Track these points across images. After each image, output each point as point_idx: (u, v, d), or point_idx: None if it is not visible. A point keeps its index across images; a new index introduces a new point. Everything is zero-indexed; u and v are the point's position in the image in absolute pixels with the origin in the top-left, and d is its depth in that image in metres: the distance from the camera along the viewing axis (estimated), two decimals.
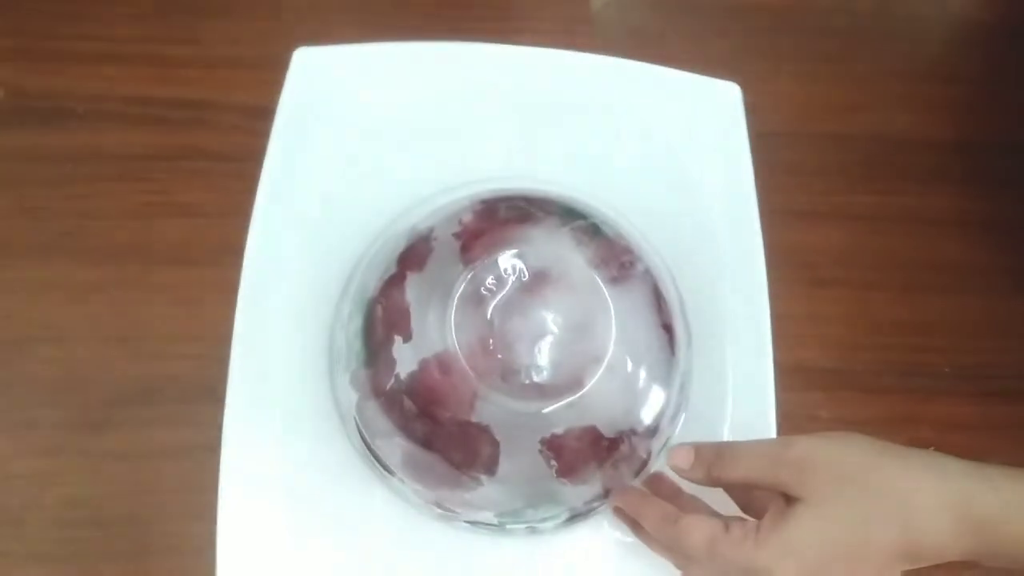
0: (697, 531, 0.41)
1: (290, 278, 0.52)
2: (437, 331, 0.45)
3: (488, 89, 0.59)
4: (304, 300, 0.52)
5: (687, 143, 0.57)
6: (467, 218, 0.49)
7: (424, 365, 0.45)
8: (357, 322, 0.48)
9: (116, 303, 0.55)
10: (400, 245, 0.49)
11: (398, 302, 0.47)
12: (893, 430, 0.57)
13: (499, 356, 0.45)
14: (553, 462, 0.45)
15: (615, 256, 0.48)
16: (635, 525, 0.46)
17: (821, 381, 0.57)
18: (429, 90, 0.57)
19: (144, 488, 0.52)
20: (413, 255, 0.48)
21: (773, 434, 0.51)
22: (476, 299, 0.45)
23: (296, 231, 0.53)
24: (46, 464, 0.51)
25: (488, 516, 0.48)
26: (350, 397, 0.48)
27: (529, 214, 0.49)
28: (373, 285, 0.49)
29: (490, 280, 0.46)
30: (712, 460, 0.41)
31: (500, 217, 0.49)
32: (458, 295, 0.45)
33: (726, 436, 0.48)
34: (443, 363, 0.45)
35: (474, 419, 0.45)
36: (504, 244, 0.46)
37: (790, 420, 0.51)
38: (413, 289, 0.47)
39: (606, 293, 0.46)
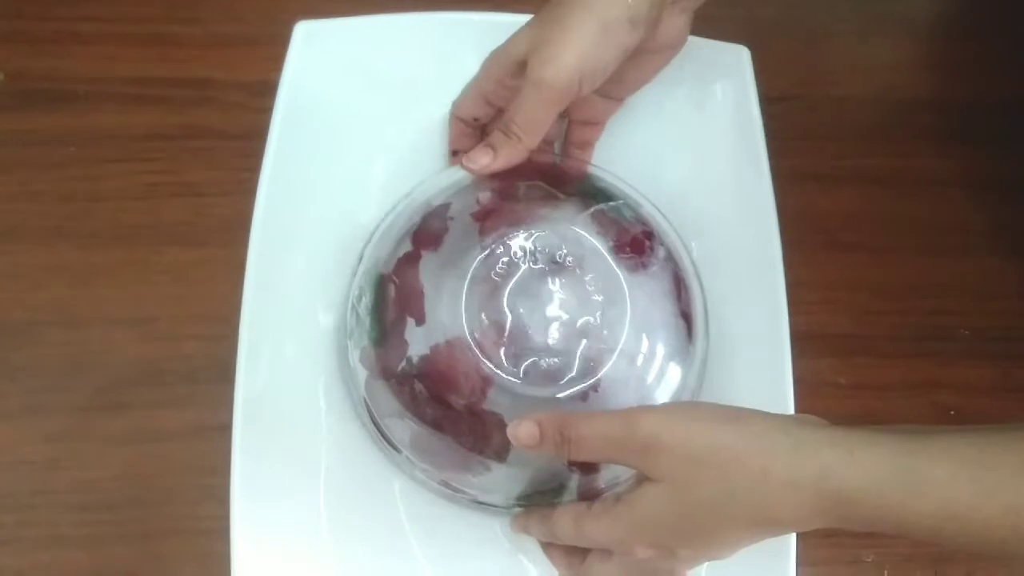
0: (564, 515, 0.42)
1: (297, 254, 0.52)
2: (450, 315, 0.45)
3: None
4: (312, 276, 0.52)
5: (696, 108, 0.56)
6: (485, 197, 0.48)
7: (436, 350, 0.45)
8: (368, 299, 0.48)
9: (123, 285, 0.55)
10: (415, 221, 0.48)
11: (412, 282, 0.46)
12: (912, 395, 0.56)
13: (513, 342, 0.44)
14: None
15: (635, 242, 0.47)
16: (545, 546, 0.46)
17: (837, 347, 0.56)
18: (433, 61, 0.56)
19: (156, 470, 0.51)
20: (428, 233, 0.47)
21: (790, 403, 0.50)
22: (491, 283, 0.45)
23: (302, 207, 0.52)
24: (56, 448, 0.51)
25: (497, 499, 0.48)
26: (360, 374, 0.47)
27: (549, 195, 0.48)
28: (385, 260, 0.48)
29: (506, 263, 0.45)
30: (557, 440, 0.40)
31: (519, 197, 0.48)
32: (473, 279, 0.45)
33: (743, 403, 0.47)
34: (455, 349, 0.44)
35: (486, 406, 0.44)
36: (522, 226, 0.46)
37: (807, 387, 0.51)
38: (427, 269, 0.46)
39: (623, 280, 0.46)
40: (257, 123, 0.53)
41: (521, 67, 0.46)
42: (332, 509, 0.49)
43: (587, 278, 0.46)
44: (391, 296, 0.46)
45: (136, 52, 0.60)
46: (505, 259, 0.45)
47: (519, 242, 0.45)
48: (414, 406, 0.45)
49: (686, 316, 0.48)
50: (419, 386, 0.45)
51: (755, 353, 0.52)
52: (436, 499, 0.49)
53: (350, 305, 0.49)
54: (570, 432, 0.39)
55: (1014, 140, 0.62)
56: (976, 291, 0.58)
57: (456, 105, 0.53)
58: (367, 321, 0.47)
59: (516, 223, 0.46)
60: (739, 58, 0.56)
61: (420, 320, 0.45)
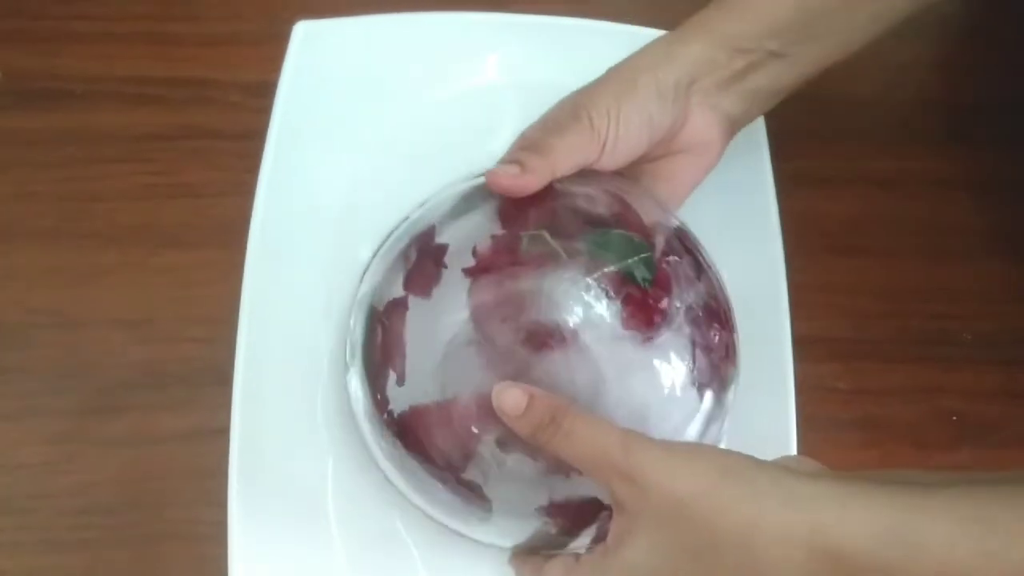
0: (553, 570, 0.41)
1: (297, 256, 0.51)
2: (432, 377, 0.41)
3: (494, 60, 0.58)
4: (311, 277, 0.51)
5: None
6: (483, 247, 0.42)
7: (415, 412, 0.42)
8: (360, 331, 0.46)
9: (121, 287, 0.54)
10: (411, 257, 0.44)
11: (397, 331, 0.42)
12: (914, 400, 0.56)
13: (497, 417, 0.39)
14: (551, 524, 0.42)
15: (646, 311, 0.41)
16: None
17: (839, 351, 0.56)
18: (433, 62, 0.56)
19: (154, 473, 0.51)
20: (421, 277, 0.43)
21: (791, 408, 0.50)
22: (479, 349, 0.40)
23: (301, 208, 0.52)
24: (54, 451, 0.51)
25: (494, 541, 0.46)
26: (357, 391, 0.46)
27: (552, 254, 0.41)
28: (378, 293, 0.45)
29: (496, 330, 0.40)
30: (544, 422, 0.38)
31: (519, 254, 0.42)
32: (458, 342, 0.41)
33: (743, 408, 0.46)
34: (435, 415, 0.41)
35: (464, 476, 0.41)
36: (518, 292, 0.40)
37: (808, 391, 0.51)
38: (415, 319, 0.42)
39: (629, 355, 0.41)
40: (256, 123, 0.52)
41: None
42: (330, 512, 0.49)
43: (586, 353, 0.40)
44: (378, 340, 0.43)
45: (135, 51, 0.60)
46: (496, 325, 0.40)
47: (513, 311, 0.40)
48: (398, 455, 0.44)
49: (702, 385, 0.43)
50: (399, 443, 0.43)
51: (756, 357, 0.51)
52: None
53: (350, 325, 0.47)
54: (564, 421, 0.37)
55: (1018, 143, 0.62)
56: (979, 295, 0.58)
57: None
58: (358, 352, 0.45)
59: (512, 287, 0.41)
60: None
61: (400, 379, 0.42)
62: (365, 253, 0.51)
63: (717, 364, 0.43)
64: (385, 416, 0.43)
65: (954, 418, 0.55)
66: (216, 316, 0.51)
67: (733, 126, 0.48)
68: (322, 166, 0.53)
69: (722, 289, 0.46)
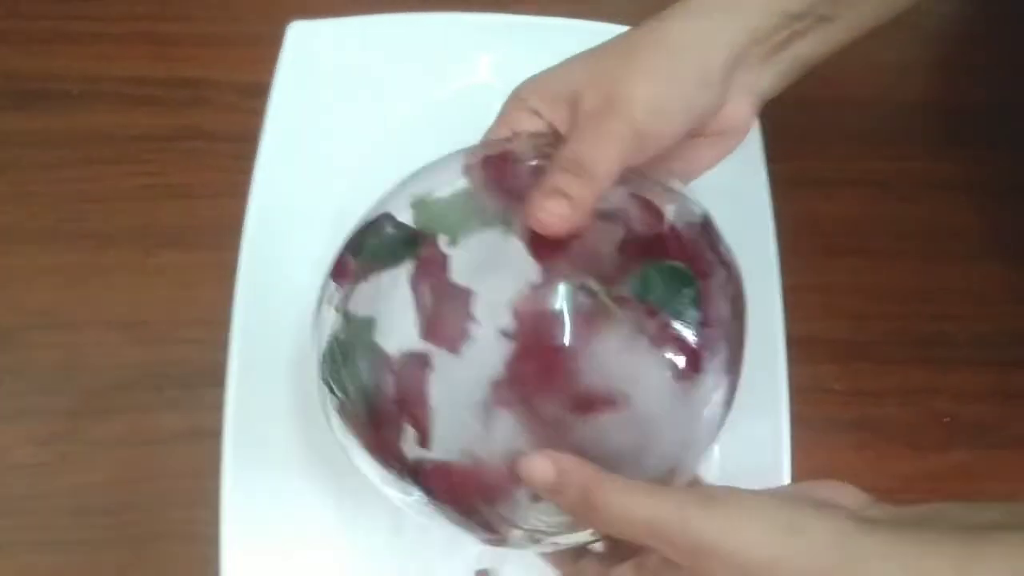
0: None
1: (290, 257, 0.51)
2: (460, 438, 0.36)
3: (490, 60, 0.58)
4: (305, 279, 0.51)
5: None
6: (524, 307, 0.35)
7: (439, 469, 0.36)
8: (358, 370, 0.38)
9: (116, 288, 0.54)
10: (427, 303, 0.36)
11: (417, 389, 0.36)
12: (909, 401, 0.56)
13: None
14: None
15: (696, 356, 0.37)
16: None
17: (835, 353, 0.56)
18: (428, 62, 0.56)
19: (150, 474, 0.51)
20: (444, 329, 0.35)
21: (784, 411, 0.49)
22: (517, 413, 0.35)
23: (295, 209, 0.52)
24: (50, 452, 0.51)
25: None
26: (340, 433, 0.42)
27: (602, 310, 0.35)
28: (377, 326, 0.37)
29: (539, 397, 0.35)
30: (575, 500, 0.33)
31: (564, 312, 0.35)
32: (493, 404, 0.35)
33: (736, 409, 0.46)
34: (465, 475, 0.36)
35: (491, 514, 0.37)
36: (566, 360, 0.35)
37: (803, 393, 0.50)
38: (441, 377, 0.35)
39: (678, 405, 0.37)
40: (250, 125, 0.53)
41: (568, 103, 0.40)
42: (323, 514, 0.49)
43: (630, 413, 0.35)
44: (389, 391, 0.36)
45: (131, 52, 0.60)
46: (539, 397, 0.35)
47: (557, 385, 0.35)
48: (407, 488, 0.38)
49: (730, 401, 0.40)
50: (417, 488, 0.38)
51: (750, 358, 0.51)
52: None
53: (327, 346, 0.39)
54: (597, 499, 0.33)
55: (1016, 144, 0.61)
56: (976, 296, 0.58)
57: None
58: (350, 390, 0.38)
59: (556, 363, 0.35)
60: None
61: (423, 441, 0.36)
62: None
63: (738, 374, 0.40)
64: (396, 463, 0.38)
65: (948, 419, 0.55)
66: (212, 317, 0.51)
67: (762, 104, 0.44)
68: (316, 167, 0.53)
69: (740, 281, 0.42)
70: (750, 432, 0.47)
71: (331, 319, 0.39)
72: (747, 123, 0.43)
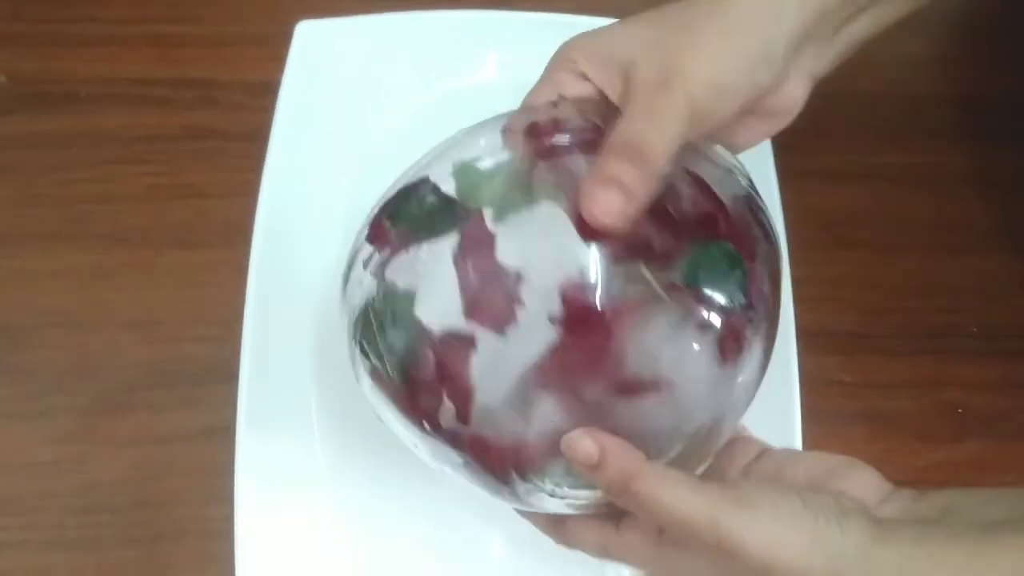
0: (587, 534, 0.39)
1: (300, 255, 0.52)
2: (500, 415, 0.35)
3: (498, 58, 0.58)
4: (315, 277, 0.52)
5: None
6: (572, 292, 0.34)
7: (477, 440, 0.36)
8: (395, 338, 0.37)
9: (126, 288, 0.55)
10: (468, 272, 0.35)
11: (459, 370, 0.35)
12: (919, 393, 0.56)
13: None
14: None
15: (739, 338, 0.36)
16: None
17: (844, 345, 0.56)
18: (436, 61, 0.56)
19: (161, 472, 0.51)
20: (489, 310, 0.35)
21: (796, 403, 0.49)
22: (560, 395, 0.35)
23: (304, 208, 0.52)
24: (61, 451, 0.51)
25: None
26: (373, 398, 0.41)
27: (651, 296, 0.35)
28: (418, 297, 0.36)
29: (583, 382, 0.35)
30: (616, 483, 0.34)
31: (615, 297, 0.35)
32: (537, 386, 0.35)
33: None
34: (503, 447, 0.36)
35: (524, 477, 0.37)
36: (613, 345, 0.34)
37: (813, 384, 0.50)
38: (483, 357, 0.35)
39: (722, 388, 0.37)
40: (259, 124, 0.53)
41: (620, 70, 0.38)
42: (337, 510, 0.49)
43: (674, 396, 0.35)
44: (429, 366, 0.36)
45: (137, 53, 0.60)
46: (584, 380, 0.35)
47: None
48: (439, 449, 0.38)
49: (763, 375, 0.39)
50: (452, 451, 0.37)
51: None
52: (443, 499, 0.49)
53: (361, 310, 0.38)
54: (635, 485, 0.33)
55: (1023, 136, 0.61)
56: (984, 289, 0.58)
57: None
58: (387, 358, 0.37)
59: (603, 349, 0.34)
60: None
61: (463, 416, 0.36)
62: None
63: (773, 339, 0.39)
64: (429, 427, 0.37)
65: (959, 410, 0.55)
66: (222, 316, 0.51)
67: (814, 85, 0.42)
68: (325, 165, 0.53)
69: (778, 251, 0.40)
70: (761, 425, 0.47)
71: (366, 283, 0.38)
72: (799, 104, 0.42)
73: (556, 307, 0.34)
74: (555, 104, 0.39)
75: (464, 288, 0.35)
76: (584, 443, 0.34)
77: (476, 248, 0.35)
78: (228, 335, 0.49)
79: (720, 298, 0.35)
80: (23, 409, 0.52)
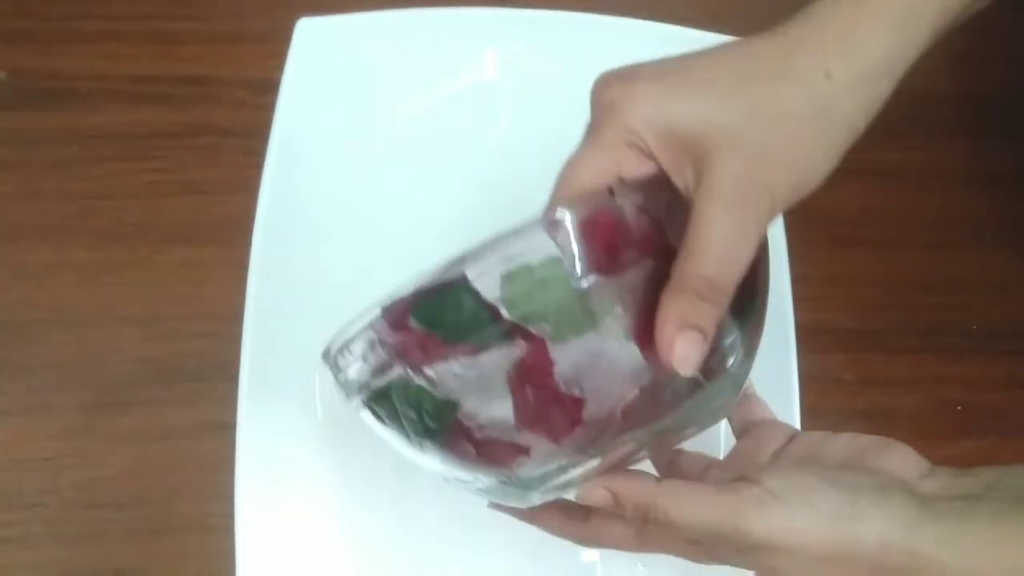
0: (613, 530, 0.37)
1: (301, 252, 0.52)
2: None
3: (499, 55, 0.58)
4: (316, 273, 0.52)
5: None
6: (631, 409, 0.34)
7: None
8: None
9: (127, 284, 0.55)
10: (525, 390, 0.33)
11: (503, 462, 0.34)
12: (919, 390, 0.56)
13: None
14: None
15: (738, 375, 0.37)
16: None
17: (844, 342, 0.56)
18: (436, 58, 0.56)
19: (162, 468, 0.51)
20: (546, 422, 0.33)
21: (795, 401, 0.50)
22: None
23: (305, 204, 0.52)
24: (62, 447, 0.51)
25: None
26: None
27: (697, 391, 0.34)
28: (468, 397, 0.34)
29: None
30: (637, 519, 0.34)
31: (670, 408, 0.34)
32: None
33: None
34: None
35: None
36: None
37: (813, 382, 0.50)
38: (533, 460, 0.34)
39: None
40: (260, 121, 0.53)
41: (693, 157, 0.33)
42: (337, 506, 0.49)
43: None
44: (466, 453, 0.34)
45: (138, 50, 0.60)
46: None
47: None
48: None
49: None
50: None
51: (761, 348, 0.51)
52: (444, 495, 0.49)
53: (382, 386, 0.35)
54: (656, 515, 0.33)
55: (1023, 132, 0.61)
56: (985, 286, 0.58)
57: (565, 186, 0.35)
58: (413, 436, 0.35)
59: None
60: None
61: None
62: (369, 248, 0.51)
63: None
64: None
65: (959, 408, 0.55)
66: (222, 312, 0.51)
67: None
68: (326, 162, 0.54)
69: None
70: None
71: (389, 367, 0.35)
72: None
73: (617, 424, 0.33)
74: (612, 191, 0.34)
75: (520, 408, 0.33)
76: (597, 492, 0.34)
77: (534, 373, 0.33)
78: (229, 331, 0.49)
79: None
80: (23, 404, 0.52)
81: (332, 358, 0.36)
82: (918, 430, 0.55)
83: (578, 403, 0.33)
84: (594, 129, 0.35)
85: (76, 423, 0.52)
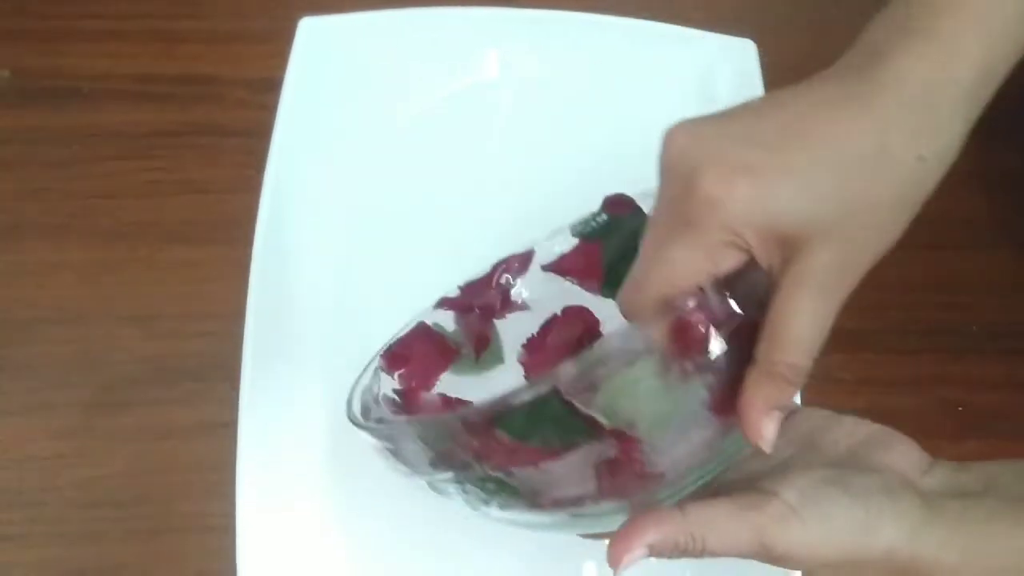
0: (735, 521, 0.35)
1: (302, 252, 0.52)
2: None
3: (500, 55, 0.58)
4: (317, 273, 0.52)
5: (701, 102, 0.56)
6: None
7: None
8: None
9: (127, 283, 0.55)
10: (614, 486, 0.34)
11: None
12: (920, 390, 0.56)
13: None
14: None
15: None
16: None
17: (844, 342, 0.55)
18: (438, 57, 0.56)
19: (162, 467, 0.51)
20: (629, 495, 0.35)
21: (795, 401, 0.49)
22: None
23: (307, 204, 0.52)
24: (63, 445, 0.51)
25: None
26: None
27: None
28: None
29: None
30: (671, 553, 0.34)
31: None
32: None
33: None
34: None
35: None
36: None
37: (813, 382, 0.49)
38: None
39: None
40: (261, 120, 0.53)
41: (784, 244, 0.33)
42: (337, 506, 0.49)
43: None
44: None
45: (140, 49, 0.60)
46: None
47: None
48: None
49: None
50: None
51: None
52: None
53: (452, 476, 0.35)
54: (693, 548, 0.33)
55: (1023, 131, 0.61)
56: (985, 286, 0.58)
57: (661, 281, 0.34)
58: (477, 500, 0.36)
59: None
60: (745, 52, 0.55)
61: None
62: (370, 247, 0.51)
63: None
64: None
65: (960, 408, 0.55)
66: (223, 311, 0.51)
67: None
68: (327, 161, 0.54)
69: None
70: None
71: (468, 467, 0.35)
72: None
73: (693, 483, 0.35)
74: (704, 292, 0.33)
75: (603, 490, 0.34)
76: (635, 553, 0.33)
77: (623, 465, 0.33)
78: (229, 331, 0.49)
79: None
80: (23, 403, 0.52)
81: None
82: (918, 430, 0.54)
83: (659, 477, 0.34)
84: (692, 225, 0.33)
85: (76, 422, 0.52)
